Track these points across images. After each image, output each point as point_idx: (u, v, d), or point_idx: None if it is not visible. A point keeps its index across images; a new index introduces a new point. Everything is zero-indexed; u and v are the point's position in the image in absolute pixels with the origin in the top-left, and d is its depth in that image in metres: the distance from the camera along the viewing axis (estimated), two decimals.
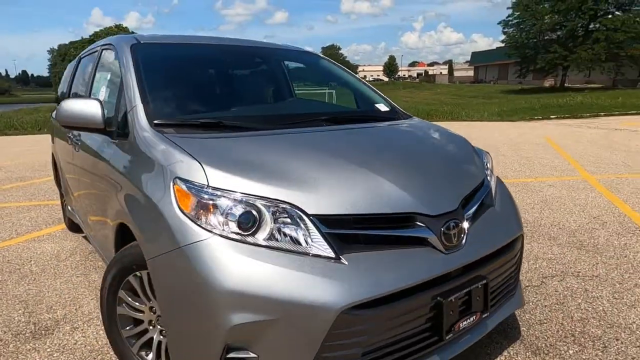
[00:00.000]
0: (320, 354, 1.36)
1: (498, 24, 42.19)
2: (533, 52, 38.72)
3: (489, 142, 9.84)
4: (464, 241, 1.66)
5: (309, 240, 1.44)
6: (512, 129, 12.80)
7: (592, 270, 2.98)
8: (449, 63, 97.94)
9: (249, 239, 1.42)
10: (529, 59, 39.61)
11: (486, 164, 2.19)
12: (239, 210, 1.44)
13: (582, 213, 4.32)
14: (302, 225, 1.45)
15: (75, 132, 2.80)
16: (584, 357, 2.05)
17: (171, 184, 1.55)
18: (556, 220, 4.10)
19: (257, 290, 1.33)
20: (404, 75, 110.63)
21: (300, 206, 1.46)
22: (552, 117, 17.01)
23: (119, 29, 54.03)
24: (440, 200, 1.65)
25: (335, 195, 1.52)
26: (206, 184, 1.50)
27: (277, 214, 1.45)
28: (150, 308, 1.81)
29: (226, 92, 2.67)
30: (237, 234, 1.42)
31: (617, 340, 2.18)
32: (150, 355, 1.84)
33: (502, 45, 44.96)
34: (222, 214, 1.44)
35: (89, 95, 2.81)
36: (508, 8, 40.96)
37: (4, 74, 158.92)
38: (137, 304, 1.83)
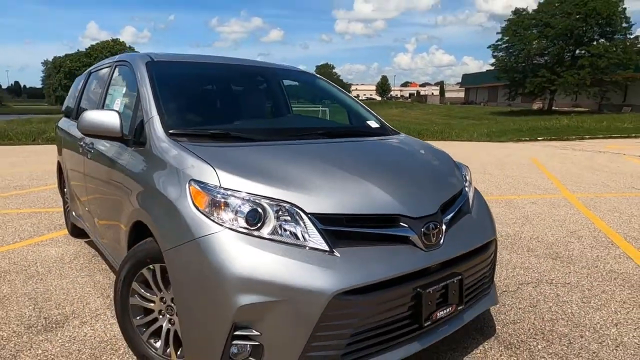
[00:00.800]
0: (315, 333, 1.56)
1: (488, 47, 43.41)
2: (522, 75, 39.83)
3: (476, 161, 10.17)
4: (442, 241, 1.90)
5: (306, 235, 1.66)
6: (499, 150, 13.19)
7: (565, 278, 3.23)
8: (441, 84, 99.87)
9: (255, 233, 1.64)
10: (517, 82, 40.72)
11: (465, 176, 2.44)
12: (246, 207, 1.67)
13: (560, 228, 4.58)
14: (300, 222, 1.67)
15: (88, 141, 3.01)
16: (550, 352, 2.27)
17: (187, 185, 1.77)
18: (535, 234, 4.35)
19: (261, 276, 1.55)
20: (397, 95, 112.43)
21: (299, 205, 1.69)
22: (539, 138, 17.51)
23: (116, 43, 54.52)
24: (421, 205, 1.89)
25: (329, 197, 1.76)
26: (218, 184, 1.72)
27: (280, 212, 1.68)
28: (161, 298, 2.00)
29: (232, 106, 2.92)
30: (245, 228, 1.64)
31: (582, 337, 2.40)
32: (159, 343, 2.02)
33: (492, 68, 46.20)
34: (232, 211, 1.66)
35: (102, 107, 3.03)
36: (497, 33, 42.24)
37: None
38: (148, 294, 2.02)
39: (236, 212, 1.66)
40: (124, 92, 2.81)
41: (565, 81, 35.82)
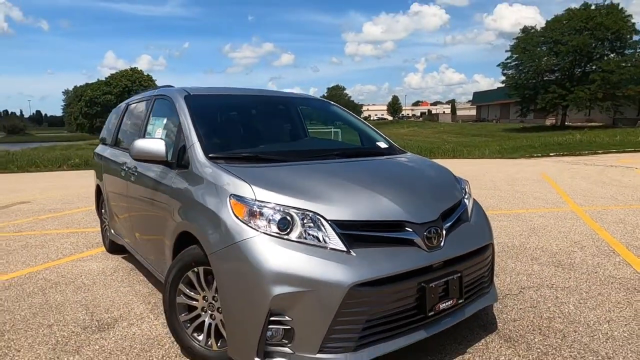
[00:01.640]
0: (336, 318, 1.89)
1: (497, 66, 43.86)
2: (533, 92, 40.04)
3: (487, 178, 10.41)
4: (442, 244, 2.22)
5: (327, 238, 2.01)
6: (511, 166, 13.38)
7: (565, 283, 3.48)
8: (452, 102, 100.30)
9: (285, 237, 1.99)
10: (529, 99, 40.91)
11: (464, 189, 2.77)
12: (278, 216, 2.03)
13: (564, 239, 4.82)
14: (322, 228, 2.02)
15: (131, 165, 3.43)
16: (546, 344, 2.53)
17: (227, 198, 2.14)
18: (540, 245, 4.60)
19: (291, 271, 1.89)
20: (408, 114, 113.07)
21: (321, 214, 2.04)
22: (551, 154, 17.61)
23: (134, 72, 56.49)
24: (424, 212, 2.22)
25: (346, 206, 2.11)
26: (254, 197, 2.09)
27: (305, 219, 2.03)
28: (204, 297, 2.35)
29: (258, 131, 3.34)
30: (277, 233, 2.00)
31: (575, 332, 2.66)
32: (202, 336, 2.36)
33: (503, 85, 46.52)
34: (266, 219, 2.02)
35: (143, 135, 3.46)
36: (507, 51, 42.72)
37: (18, 113, 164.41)
38: (192, 294, 2.37)
39: (269, 220, 2.02)
40: (164, 122, 3.24)
41: (577, 96, 35.92)
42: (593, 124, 38.08)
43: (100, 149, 4.88)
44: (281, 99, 3.77)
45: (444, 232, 2.26)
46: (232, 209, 2.10)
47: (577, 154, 17.14)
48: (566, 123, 39.92)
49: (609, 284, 3.43)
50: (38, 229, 5.99)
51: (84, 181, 11.84)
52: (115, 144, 4.32)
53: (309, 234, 2.01)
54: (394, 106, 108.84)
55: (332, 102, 3.92)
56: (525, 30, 41.82)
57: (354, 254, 1.98)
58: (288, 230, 2.01)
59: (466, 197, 2.71)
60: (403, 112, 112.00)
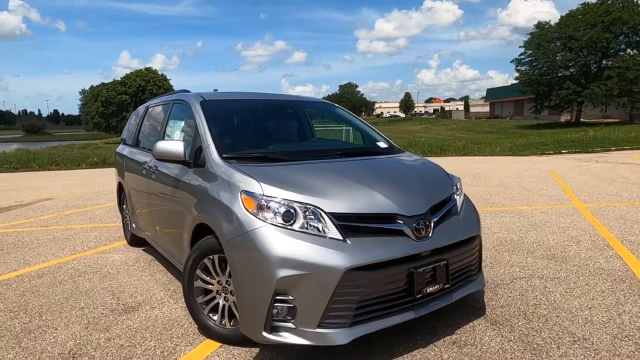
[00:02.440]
0: (333, 298, 2.16)
1: (511, 62, 43.49)
2: (547, 88, 39.60)
3: (495, 175, 10.53)
4: (430, 234, 2.47)
5: (326, 229, 2.28)
6: (520, 164, 13.43)
7: (555, 274, 3.70)
8: (465, 99, 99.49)
9: (289, 227, 2.27)
10: (542, 95, 40.46)
11: (456, 185, 3.01)
12: (282, 209, 2.31)
13: (562, 234, 5.01)
14: (322, 219, 2.30)
15: (152, 164, 3.74)
16: (528, 327, 2.77)
17: (239, 194, 2.43)
18: (537, 239, 4.81)
19: (294, 256, 2.17)
20: (420, 111, 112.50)
21: (321, 207, 2.32)
22: (563, 151, 17.54)
23: (149, 72, 57.40)
24: (414, 206, 2.48)
25: (343, 201, 2.38)
26: (262, 193, 2.38)
27: (307, 212, 2.31)
28: (218, 281, 2.65)
29: (268, 133, 3.64)
30: (282, 224, 2.28)
31: (557, 317, 2.89)
32: (217, 316, 2.66)
33: (517, 82, 46.08)
34: (272, 212, 2.31)
35: (162, 137, 3.77)
36: (520, 47, 42.28)
37: (37, 113, 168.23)
38: (208, 278, 2.67)
39: (275, 213, 2.31)
40: (182, 125, 3.55)
41: (592, 92, 35.42)
42: (609, 120, 37.53)
43: (121, 148, 5.22)
44: (289, 102, 4.07)
45: (432, 224, 2.51)
46: (243, 203, 2.39)
47: (590, 151, 17.04)
48: (581, 119, 39.41)
49: (597, 275, 3.64)
50: (63, 224, 6.39)
51: (103, 179, 12.33)
52: (136, 144, 4.65)
53: (310, 225, 2.29)
54: (407, 103, 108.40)
55: (337, 105, 4.19)
56: (540, 25, 41.34)
57: (349, 242, 2.25)
58: (292, 221, 2.29)
59: (457, 193, 2.95)
60: (416, 109, 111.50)
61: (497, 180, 9.58)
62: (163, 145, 3.01)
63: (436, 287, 2.45)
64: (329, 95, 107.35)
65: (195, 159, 3.01)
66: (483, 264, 3.83)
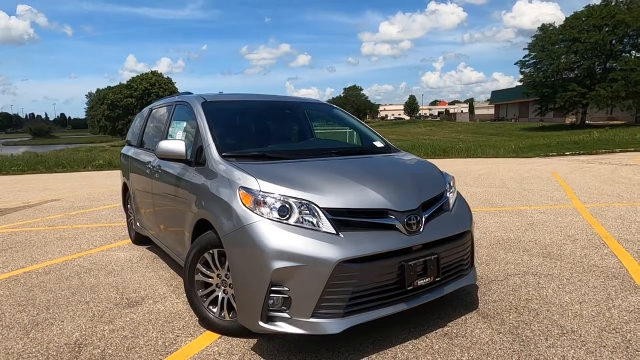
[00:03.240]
0: (326, 289, 2.25)
1: (515, 64, 43.46)
2: (551, 90, 39.55)
3: (497, 177, 10.58)
4: (421, 229, 2.56)
5: (320, 223, 2.38)
6: (523, 165, 13.46)
7: (549, 271, 3.76)
8: (470, 101, 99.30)
9: (284, 222, 2.37)
10: (547, 97, 40.41)
11: (449, 183, 3.10)
12: (278, 204, 2.41)
13: (559, 233, 5.07)
14: (316, 214, 2.39)
15: (155, 164, 3.86)
16: (519, 320, 2.85)
17: (237, 190, 2.53)
18: (534, 238, 4.87)
19: (289, 249, 2.27)
20: (425, 113, 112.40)
21: (315, 202, 2.41)
22: (566, 153, 17.52)
23: (154, 75, 57.89)
24: (405, 202, 2.57)
25: (337, 196, 2.47)
26: (259, 189, 2.48)
27: (301, 207, 2.41)
28: (217, 275, 2.75)
29: (267, 133, 3.75)
30: (278, 218, 2.38)
31: (548, 311, 2.97)
32: (216, 308, 2.76)
33: (521, 84, 46.02)
34: (268, 207, 2.41)
35: (166, 137, 3.89)
36: (524, 49, 42.29)
37: (44, 116, 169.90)
38: (208, 272, 2.78)
39: (271, 208, 2.41)
40: (184, 125, 3.67)
41: (598, 94, 35.35)
42: (615, 122, 37.39)
43: (126, 149, 5.35)
44: (288, 103, 4.18)
45: (424, 219, 2.60)
46: (240, 199, 2.49)
47: (594, 153, 17.04)
48: (587, 122, 39.30)
49: (591, 272, 3.70)
50: (69, 224, 6.52)
51: (109, 181, 12.50)
52: (140, 145, 4.78)
53: (304, 219, 2.38)
54: (411, 106, 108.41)
55: (335, 106, 4.30)
56: (544, 28, 41.34)
57: (342, 236, 2.35)
58: (287, 216, 2.39)
59: (450, 190, 3.04)
60: (420, 112, 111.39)
61: (498, 182, 9.63)
62: (165, 145, 3.12)
63: (427, 280, 2.53)
64: (333, 98, 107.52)
65: (196, 157, 3.12)
66: (478, 261, 3.92)
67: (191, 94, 3.95)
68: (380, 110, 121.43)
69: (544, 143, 21.26)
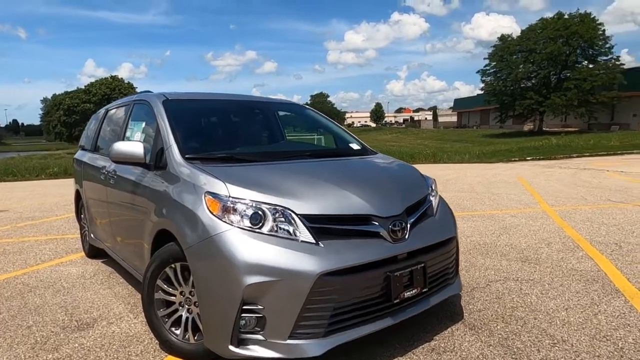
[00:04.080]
0: (305, 306, 2.00)
1: (477, 72, 44.89)
2: (510, 98, 41.06)
3: (465, 181, 10.67)
4: (407, 236, 2.36)
5: (297, 231, 2.13)
6: (488, 170, 13.71)
7: (530, 276, 3.66)
8: (434, 109, 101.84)
9: (257, 230, 2.10)
10: (507, 105, 41.92)
11: (431, 186, 2.93)
12: (250, 211, 2.14)
13: (533, 236, 5.04)
14: (292, 222, 2.14)
15: (110, 169, 3.49)
16: (507, 330, 2.69)
17: (203, 196, 2.25)
18: (510, 242, 4.80)
19: (262, 262, 2.00)
20: (391, 121, 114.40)
21: (291, 208, 2.16)
22: (528, 158, 18.11)
23: (114, 80, 55.89)
24: (389, 207, 2.37)
25: (315, 202, 2.23)
26: (228, 194, 2.20)
27: (276, 214, 2.15)
28: (181, 292, 2.44)
29: (234, 134, 3.46)
30: (249, 227, 2.11)
31: (535, 319, 2.83)
32: (179, 330, 2.45)
33: (482, 92, 47.57)
34: (239, 214, 2.14)
35: (122, 138, 3.53)
36: (485, 58, 43.79)
37: None
38: (170, 289, 2.46)
39: (242, 215, 2.13)
40: (143, 126, 3.33)
41: (553, 102, 36.99)
42: (569, 129, 39.16)
43: (80, 154, 4.91)
44: (257, 103, 3.91)
45: (409, 225, 2.40)
46: (207, 206, 2.20)
47: (553, 158, 17.67)
48: (543, 128, 40.98)
49: (571, 276, 3.63)
50: (16, 237, 5.94)
51: (63, 190, 11.70)
52: (95, 149, 4.37)
53: (279, 228, 2.13)
54: (377, 113, 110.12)
55: (307, 107, 4.07)
56: (503, 38, 42.93)
57: (322, 246, 2.11)
58: (260, 224, 2.12)
59: (432, 194, 2.87)
60: (386, 119, 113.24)
61: (467, 186, 9.69)
62: (121, 146, 2.79)
63: (414, 291, 2.33)
64: None
65: (156, 161, 2.80)
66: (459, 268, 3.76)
67: (151, 92, 3.62)
68: (347, 118, 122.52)
69: (506, 149, 21.89)
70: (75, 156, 5.07)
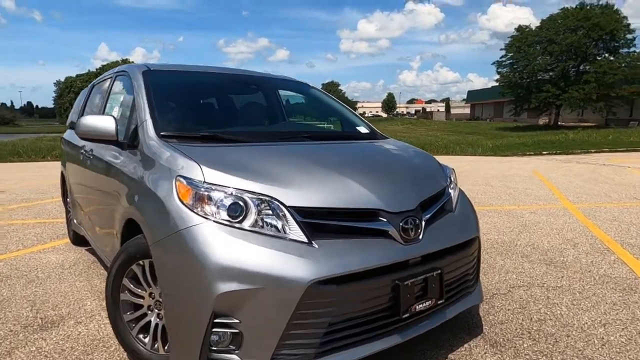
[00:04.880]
0: (293, 321, 1.61)
1: (492, 64, 43.78)
2: (526, 91, 39.95)
3: (479, 174, 10.19)
4: (421, 236, 1.94)
5: (286, 227, 1.72)
6: (503, 163, 13.19)
7: (557, 282, 3.23)
8: (446, 101, 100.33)
9: (237, 225, 1.70)
10: (522, 98, 40.82)
11: (450, 177, 2.50)
12: (229, 201, 1.74)
13: (557, 236, 4.58)
14: (281, 215, 1.74)
15: (88, 148, 3.12)
16: (535, 349, 2.28)
17: (174, 180, 1.85)
18: (531, 242, 4.36)
19: (240, 265, 1.61)
20: (402, 111, 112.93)
21: (279, 199, 1.76)
22: (544, 152, 17.48)
23: (125, 63, 55.73)
24: (401, 201, 1.95)
25: (309, 191, 1.82)
26: (203, 180, 1.80)
27: (261, 205, 1.75)
28: (150, 294, 2.06)
29: (223, 111, 3.03)
30: (227, 220, 1.71)
31: (568, 336, 2.41)
32: (148, 338, 2.07)
33: (497, 84, 46.42)
34: (214, 204, 1.74)
35: (102, 114, 3.14)
36: (501, 49, 42.59)
37: (9, 104, 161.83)
38: (138, 290, 2.08)
39: (219, 206, 1.73)
40: (122, 99, 2.93)
41: (571, 96, 35.87)
42: (586, 124, 38.04)
43: (67, 134, 4.55)
44: (254, 78, 3.42)
45: (423, 223, 1.99)
46: (177, 193, 1.81)
47: (570, 153, 17.04)
48: (559, 123, 39.89)
49: (604, 283, 3.19)
50: (4, 219, 5.65)
51: None
52: None
53: (265, 222, 1.73)
54: (389, 103, 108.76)
55: (312, 85, 3.63)
56: (520, 29, 41.66)
57: (316, 246, 1.70)
58: (240, 217, 1.72)
59: (451, 186, 2.44)
60: (398, 110, 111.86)
61: (481, 179, 9.22)
62: (89, 121, 2.40)
63: (428, 303, 1.91)
64: None
65: (130, 139, 2.41)
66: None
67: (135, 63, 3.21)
68: (359, 107, 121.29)
69: (520, 142, 21.23)
70: (63, 135, 4.72)
